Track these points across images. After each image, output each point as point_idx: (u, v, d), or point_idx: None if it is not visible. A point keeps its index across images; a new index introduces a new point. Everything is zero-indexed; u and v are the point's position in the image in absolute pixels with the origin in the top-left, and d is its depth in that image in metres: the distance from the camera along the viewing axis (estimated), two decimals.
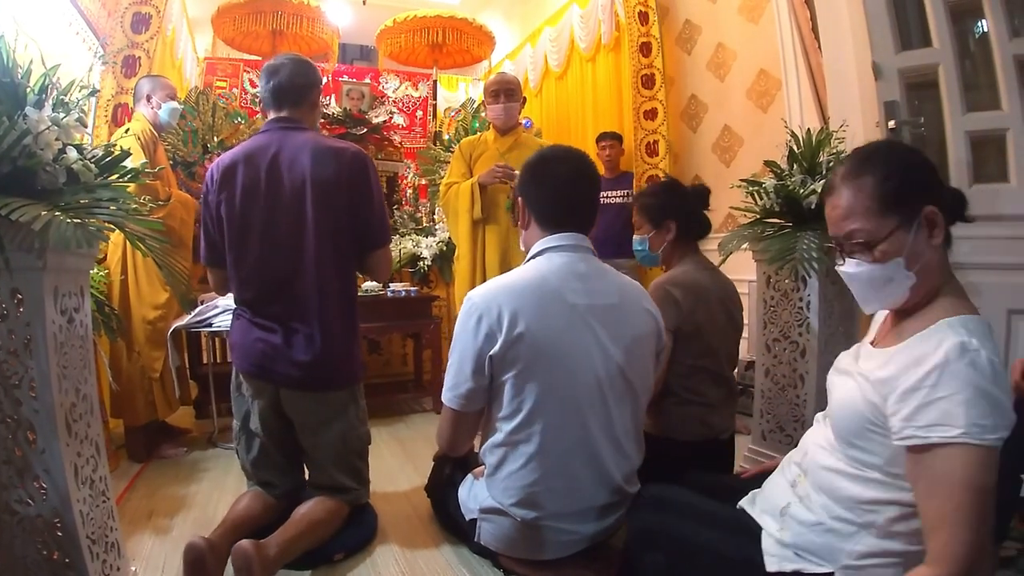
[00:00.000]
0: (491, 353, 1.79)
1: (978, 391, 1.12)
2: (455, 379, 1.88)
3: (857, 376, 1.35)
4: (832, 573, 1.31)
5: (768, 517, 1.50)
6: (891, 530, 1.25)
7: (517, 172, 3.24)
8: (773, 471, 1.68)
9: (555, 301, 1.82)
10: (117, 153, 1.56)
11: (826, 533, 1.33)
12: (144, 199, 1.96)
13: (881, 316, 1.51)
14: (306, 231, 2.17)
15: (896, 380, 1.22)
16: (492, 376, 1.84)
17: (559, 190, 1.94)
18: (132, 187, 2.89)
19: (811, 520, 1.37)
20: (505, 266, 3.31)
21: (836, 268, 1.41)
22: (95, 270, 2.84)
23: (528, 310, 1.78)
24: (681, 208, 2.42)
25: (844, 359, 1.51)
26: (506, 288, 1.83)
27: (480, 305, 1.82)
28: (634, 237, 2.54)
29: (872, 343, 1.45)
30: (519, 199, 2.02)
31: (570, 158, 1.99)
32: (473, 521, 2.07)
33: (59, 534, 1.45)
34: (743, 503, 1.65)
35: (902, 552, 1.25)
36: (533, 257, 1.96)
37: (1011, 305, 2.40)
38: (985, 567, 1.18)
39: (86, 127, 1.51)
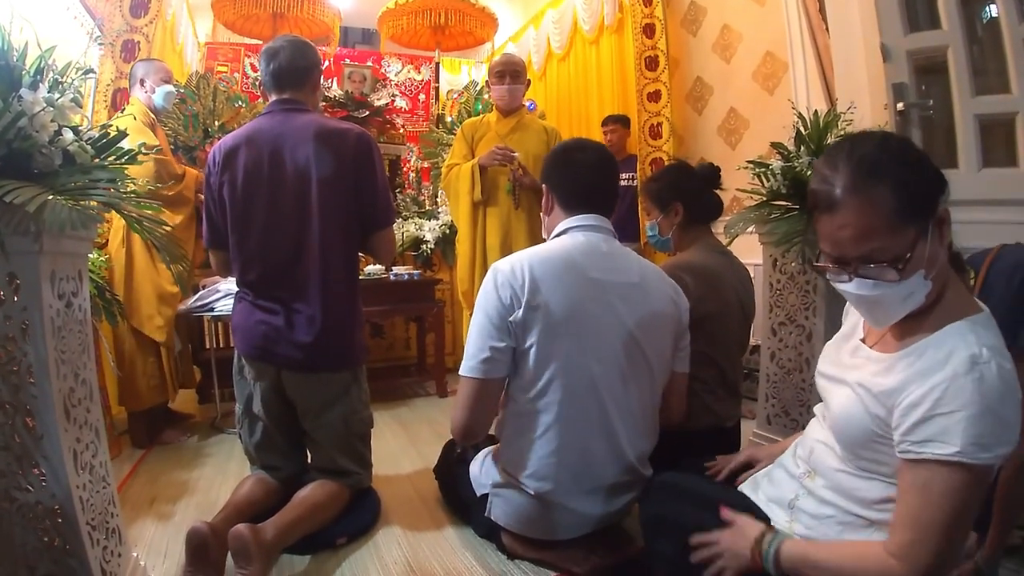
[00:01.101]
0: (512, 318, 1.81)
1: (982, 409, 1.07)
2: (476, 345, 1.87)
3: (856, 387, 1.29)
4: None
5: (776, 507, 1.49)
6: None
7: (517, 154, 3.23)
8: (743, 467, 1.72)
9: (577, 274, 1.85)
10: (113, 134, 1.54)
11: (838, 526, 1.32)
12: (145, 181, 1.95)
13: None
14: (310, 213, 2.16)
15: (901, 392, 1.17)
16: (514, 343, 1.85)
17: (581, 174, 2.01)
18: (150, 163, 2.90)
19: (823, 513, 1.35)
20: (506, 249, 3.30)
21: (836, 286, 1.27)
22: (95, 255, 2.82)
23: (550, 278, 1.82)
24: (687, 190, 2.37)
25: (832, 361, 1.45)
26: (529, 257, 1.87)
27: (505, 271, 1.85)
28: (647, 223, 2.52)
29: (866, 342, 1.38)
30: (543, 186, 2.07)
31: (591, 147, 2.07)
32: (484, 497, 2.08)
33: (59, 520, 1.44)
34: (745, 489, 1.65)
35: None
36: (557, 236, 2.00)
37: None
38: (950, 568, 1.16)
39: (81, 107, 1.48)
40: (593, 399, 1.85)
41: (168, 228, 1.75)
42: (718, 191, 2.45)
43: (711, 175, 2.41)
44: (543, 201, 2.09)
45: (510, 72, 3.47)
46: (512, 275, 1.83)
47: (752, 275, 2.52)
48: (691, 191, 2.37)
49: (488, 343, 1.84)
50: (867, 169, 1.16)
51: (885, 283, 1.16)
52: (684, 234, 2.39)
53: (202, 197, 3.25)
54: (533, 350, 1.82)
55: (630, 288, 1.90)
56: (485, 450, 2.18)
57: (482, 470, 2.12)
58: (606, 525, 1.99)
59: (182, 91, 4.28)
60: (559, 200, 2.03)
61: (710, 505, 1.54)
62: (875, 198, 1.13)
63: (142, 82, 3.22)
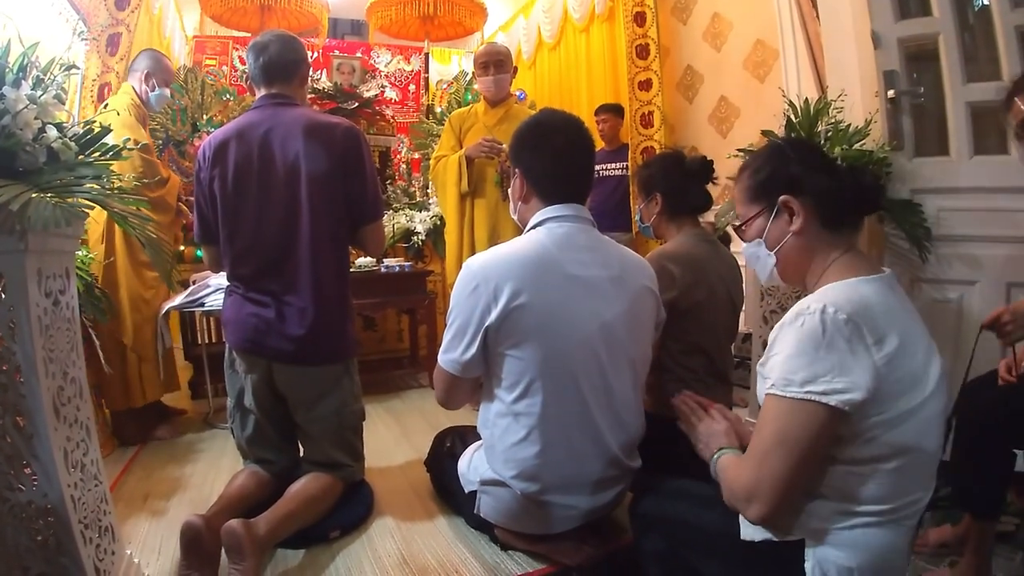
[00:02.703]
0: (487, 324, 1.77)
1: (797, 349, 1.23)
2: (452, 345, 1.85)
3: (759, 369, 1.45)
4: (801, 540, 1.32)
5: None
6: (848, 493, 1.26)
7: (504, 146, 3.21)
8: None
9: (554, 273, 1.79)
10: (98, 130, 1.52)
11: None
12: (131, 177, 1.93)
13: None
14: (300, 206, 2.16)
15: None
16: (489, 346, 1.82)
17: (557, 161, 1.90)
18: (136, 157, 2.87)
19: None
20: (494, 240, 3.29)
21: None
22: (83, 252, 2.80)
23: (526, 282, 1.75)
24: (666, 180, 2.33)
25: None
26: (504, 259, 1.80)
27: (477, 274, 1.79)
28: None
29: None
30: (516, 170, 1.98)
31: (566, 127, 1.94)
32: (472, 494, 2.07)
33: (51, 520, 1.44)
34: None
35: (863, 512, 1.26)
36: (533, 228, 1.92)
37: (1011, 278, 2.37)
38: (791, 508, 1.30)
39: (64, 103, 1.47)
40: (575, 399, 1.82)
41: (153, 230, 1.73)
42: (709, 184, 2.38)
43: (700, 169, 2.32)
44: (515, 185, 2.00)
45: (494, 62, 3.46)
46: (484, 280, 1.77)
47: (743, 264, 2.51)
48: (674, 183, 2.33)
49: (461, 351, 1.83)
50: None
51: (745, 242, 1.51)
52: (667, 223, 2.37)
53: (183, 206, 3.25)
54: (511, 354, 1.79)
55: (610, 282, 1.85)
56: (472, 446, 2.16)
57: (469, 467, 2.10)
58: (597, 517, 1.99)
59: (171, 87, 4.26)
60: (536, 189, 1.93)
61: (697, 501, 1.57)
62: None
63: (147, 76, 3.15)
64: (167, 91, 3.24)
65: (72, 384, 1.58)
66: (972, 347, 1.92)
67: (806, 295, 1.36)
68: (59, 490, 1.43)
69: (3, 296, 1.37)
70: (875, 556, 1.26)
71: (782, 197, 1.40)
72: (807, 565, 1.30)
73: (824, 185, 1.39)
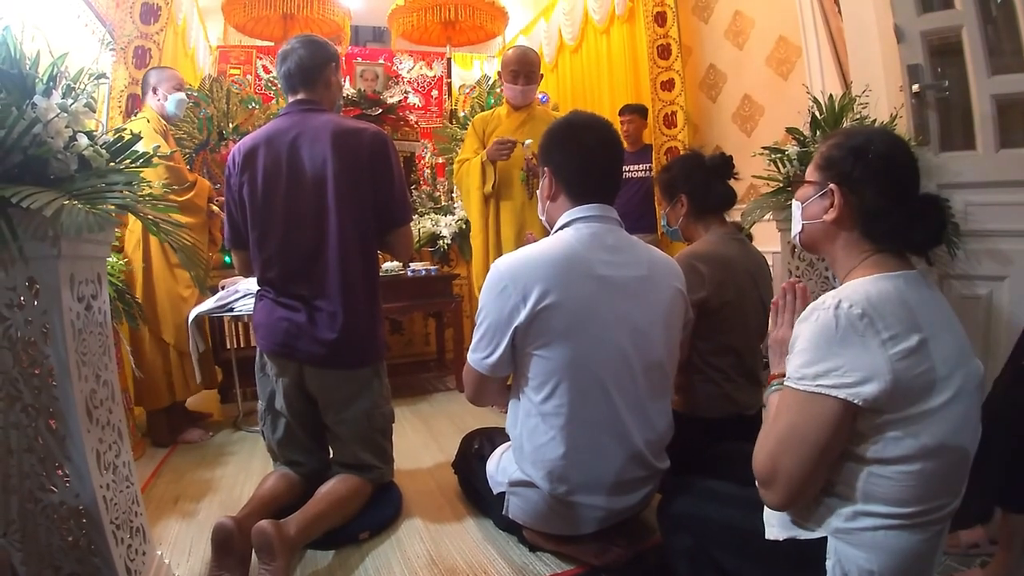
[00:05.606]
0: (516, 324, 1.77)
1: (810, 344, 1.25)
2: (480, 345, 1.86)
3: None
4: (824, 538, 1.32)
5: None
6: (871, 494, 1.25)
7: (529, 142, 3.21)
8: None
9: (582, 273, 1.79)
10: (128, 138, 1.55)
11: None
12: (160, 184, 1.97)
13: None
14: (328, 211, 2.18)
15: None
16: (517, 346, 1.82)
17: (587, 158, 1.91)
18: (161, 167, 2.94)
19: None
20: (521, 241, 3.30)
21: None
22: (114, 258, 2.85)
23: (554, 283, 1.75)
24: (690, 180, 2.33)
25: None
26: (533, 260, 1.80)
27: (506, 275, 1.79)
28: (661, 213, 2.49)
29: None
30: (545, 169, 1.98)
31: (596, 126, 1.95)
32: (501, 495, 2.07)
33: (83, 520, 1.46)
34: None
35: (886, 514, 1.24)
36: (561, 228, 1.92)
37: None
38: (806, 498, 1.32)
39: (94, 112, 1.50)
40: (602, 399, 1.81)
41: (188, 235, 1.76)
42: (731, 181, 2.37)
43: (721, 166, 2.33)
44: (544, 185, 2.00)
45: (525, 73, 3.46)
46: (513, 281, 1.77)
47: (771, 263, 2.49)
48: (697, 182, 2.32)
49: (491, 351, 1.84)
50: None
51: (794, 198, 1.51)
52: (694, 224, 2.36)
53: (214, 208, 3.32)
54: (539, 354, 1.80)
55: (638, 282, 1.85)
56: (501, 448, 2.16)
57: (498, 468, 2.11)
58: (626, 518, 1.99)
59: (195, 95, 4.32)
60: (564, 187, 1.93)
61: (724, 500, 1.58)
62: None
63: (155, 90, 3.26)
64: (181, 95, 3.32)
65: (104, 387, 1.61)
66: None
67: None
68: (91, 491, 1.46)
69: (36, 302, 1.40)
70: (897, 559, 1.25)
71: (831, 184, 1.39)
72: (828, 563, 1.30)
73: (873, 205, 1.36)
